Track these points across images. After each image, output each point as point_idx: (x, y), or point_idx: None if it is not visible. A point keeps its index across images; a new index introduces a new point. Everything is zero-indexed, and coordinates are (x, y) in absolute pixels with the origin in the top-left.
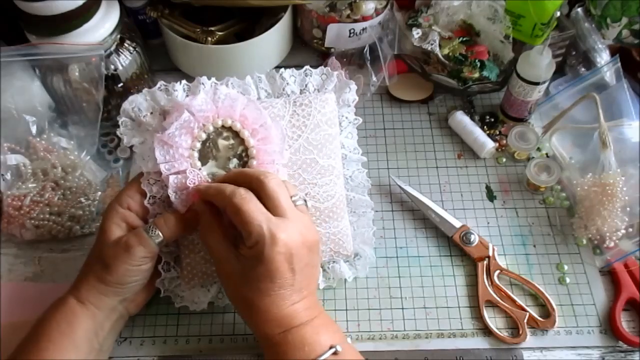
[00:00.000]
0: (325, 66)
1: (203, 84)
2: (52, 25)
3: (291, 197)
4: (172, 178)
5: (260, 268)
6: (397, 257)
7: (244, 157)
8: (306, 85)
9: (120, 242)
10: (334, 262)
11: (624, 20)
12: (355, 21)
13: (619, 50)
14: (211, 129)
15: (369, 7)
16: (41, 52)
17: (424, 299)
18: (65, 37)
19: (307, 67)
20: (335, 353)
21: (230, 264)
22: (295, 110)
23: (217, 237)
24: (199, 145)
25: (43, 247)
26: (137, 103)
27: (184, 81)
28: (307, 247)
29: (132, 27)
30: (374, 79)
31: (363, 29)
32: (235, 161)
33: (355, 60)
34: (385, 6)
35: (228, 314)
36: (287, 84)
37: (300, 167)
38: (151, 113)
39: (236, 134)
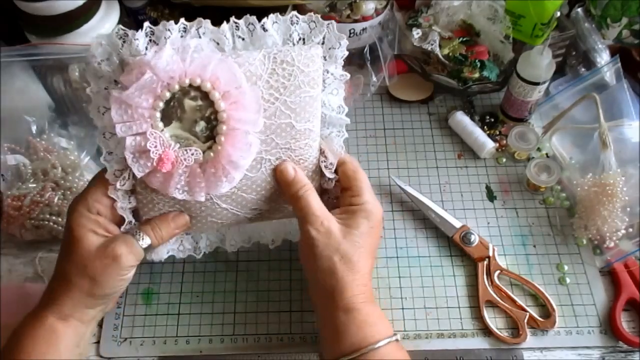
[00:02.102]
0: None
1: (169, 29)
2: (52, 25)
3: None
4: (129, 140)
5: (372, 218)
6: (397, 257)
7: (213, 121)
8: (290, 35)
9: (107, 253)
10: None
11: (624, 20)
12: (355, 21)
13: (619, 50)
14: (177, 87)
15: (369, 7)
16: (41, 52)
17: (424, 299)
18: (66, 37)
19: (294, 12)
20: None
21: (331, 222)
22: (275, 69)
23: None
24: (161, 105)
25: (43, 247)
26: (93, 48)
27: (146, 24)
28: None
29: (132, 27)
30: (374, 79)
31: (363, 29)
32: (202, 124)
33: (355, 60)
34: (385, 6)
35: (228, 314)
36: (270, 35)
37: (274, 132)
38: (107, 59)
39: (205, 95)
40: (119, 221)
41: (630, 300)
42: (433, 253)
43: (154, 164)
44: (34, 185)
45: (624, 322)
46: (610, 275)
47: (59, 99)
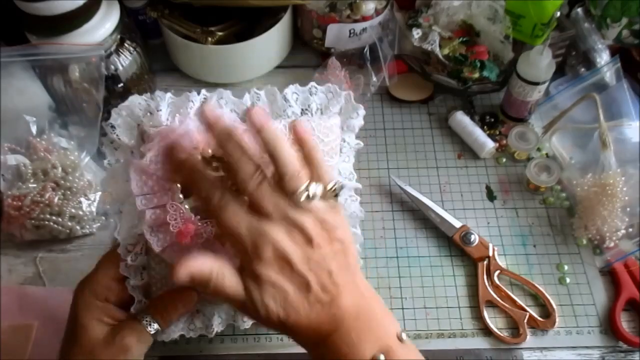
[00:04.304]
0: (325, 66)
1: (192, 100)
2: (52, 26)
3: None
4: (149, 213)
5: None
6: (397, 257)
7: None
8: (309, 105)
9: (115, 343)
10: None
11: (624, 20)
12: (356, 21)
13: (619, 50)
14: (198, 158)
15: (369, 7)
16: (41, 52)
17: (424, 299)
18: (66, 37)
19: (313, 84)
20: None
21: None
22: None
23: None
24: None
25: (43, 247)
26: (112, 119)
27: (168, 95)
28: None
29: (132, 27)
30: (374, 79)
31: (363, 29)
32: None
33: (355, 60)
34: (385, 6)
35: None
36: (290, 105)
37: None
38: (128, 130)
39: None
40: (126, 303)
41: (630, 300)
42: (433, 253)
43: (173, 237)
44: (34, 185)
45: (624, 322)
46: (610, 275)
47: (59, 99)
